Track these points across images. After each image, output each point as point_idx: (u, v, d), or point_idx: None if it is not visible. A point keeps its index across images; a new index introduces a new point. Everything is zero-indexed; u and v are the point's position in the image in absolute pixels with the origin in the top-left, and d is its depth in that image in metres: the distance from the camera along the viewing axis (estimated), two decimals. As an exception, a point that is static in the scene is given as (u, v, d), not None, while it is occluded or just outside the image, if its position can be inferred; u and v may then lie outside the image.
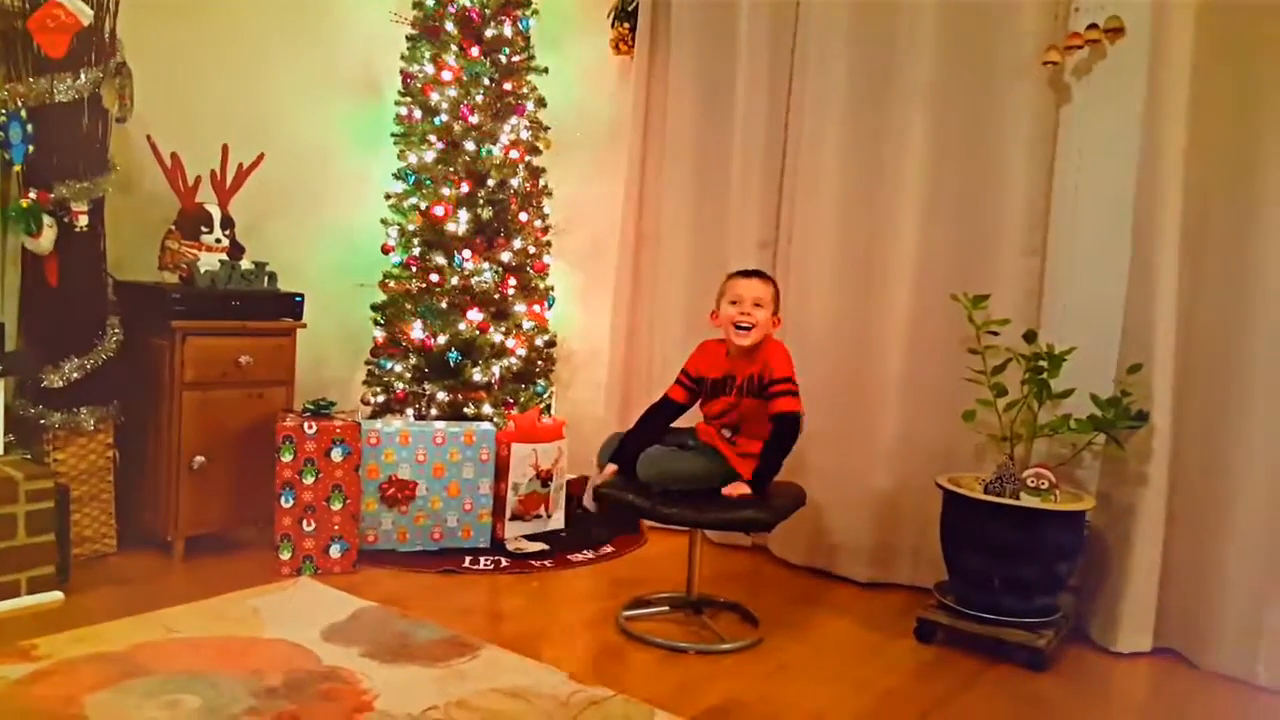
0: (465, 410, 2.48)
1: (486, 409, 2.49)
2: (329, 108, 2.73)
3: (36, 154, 1.92)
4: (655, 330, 2.74)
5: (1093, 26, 2.01)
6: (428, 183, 2.52)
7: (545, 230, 2.72)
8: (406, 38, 2.60)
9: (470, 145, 2.52)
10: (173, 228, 2.25)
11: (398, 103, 2.60)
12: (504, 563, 2.27)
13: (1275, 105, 1.76)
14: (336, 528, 2.10)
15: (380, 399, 2.54)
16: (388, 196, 2.61)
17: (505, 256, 2.58)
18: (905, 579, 2.26)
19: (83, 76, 1.93)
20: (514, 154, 2.59)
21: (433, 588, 2.07)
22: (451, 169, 2.51)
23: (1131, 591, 1.89)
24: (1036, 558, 1.83)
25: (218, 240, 2.27)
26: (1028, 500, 1.84)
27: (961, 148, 2.18)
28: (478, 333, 2.49)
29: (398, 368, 2.52)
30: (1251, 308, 1.80)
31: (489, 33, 2.57)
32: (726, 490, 1.79)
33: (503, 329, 2.55)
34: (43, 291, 2.00)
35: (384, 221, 2.62)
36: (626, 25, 2.79)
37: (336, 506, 2.10)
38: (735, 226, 2.52)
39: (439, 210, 2.49)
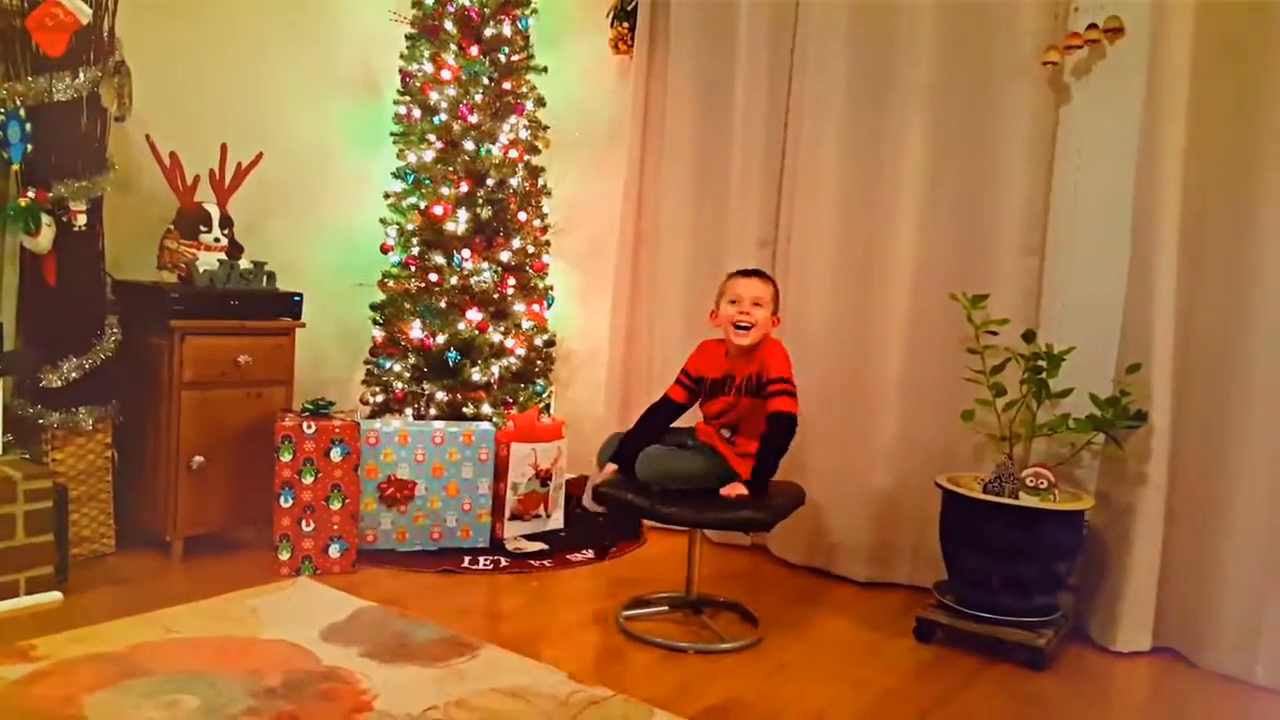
0: (464, 410, 2.47)
1: (486, 409, 2.49)
2: (328, 107, 2.72)
3: (35, 153, 1.92)
4: (655, 330, 2.74)
5: (1092, 27, 2.01)
6: (427, 182, 2.51)
7: (544, 230, 2.72)
8: (405, 37, 2.60)
9: (469, 144, 2.52)
10: (171, 227, 2.24)
11: (397, 102, 2.60)
12: (503, 562, 2.26)
13: (1274, 106, 1.76)
14: (335, 527, 2.10)
15: (379, 399, 2.54)
16: (387, 196, 2.61)
17: (504, 256, 2.57)
18: (904, 578, 2.26)
19: (81, 75, 1.93)
20: (513, 153, 2.59)
21: (432, 588, 2.07)
22: (451, 168, 2.51)
23: (1130, 591, 1.89)
24: (1035, 557, 1.83)
25: (216, 239, 2.27)
26: (1027, 500, 1.84)
27: (961, 148, 2.18)
28: (477, 332, 2.49)
29: (397, 367, 2.52)
30: (1250, 307, 1.80)
31: (488, 32, 2.57)
32: (724, 491, 1.79)
33: (502, 328, 2.55)
34: (41, 291, 1.99)
35: (383, 221, 2.62)
36: (626, 25, 2.79)
37: (335, 506, 2.10)
38: (734, 226, 2.52)
39: (438, 210, 2.49)
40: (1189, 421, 1.89)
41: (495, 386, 2.52)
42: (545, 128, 2.70)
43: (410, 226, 2.55)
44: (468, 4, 2.54)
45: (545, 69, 2.68)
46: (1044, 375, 1.92)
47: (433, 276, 2.50)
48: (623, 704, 1.52)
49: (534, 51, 2.68)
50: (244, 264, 2.25)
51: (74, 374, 2.00)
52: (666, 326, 2.68)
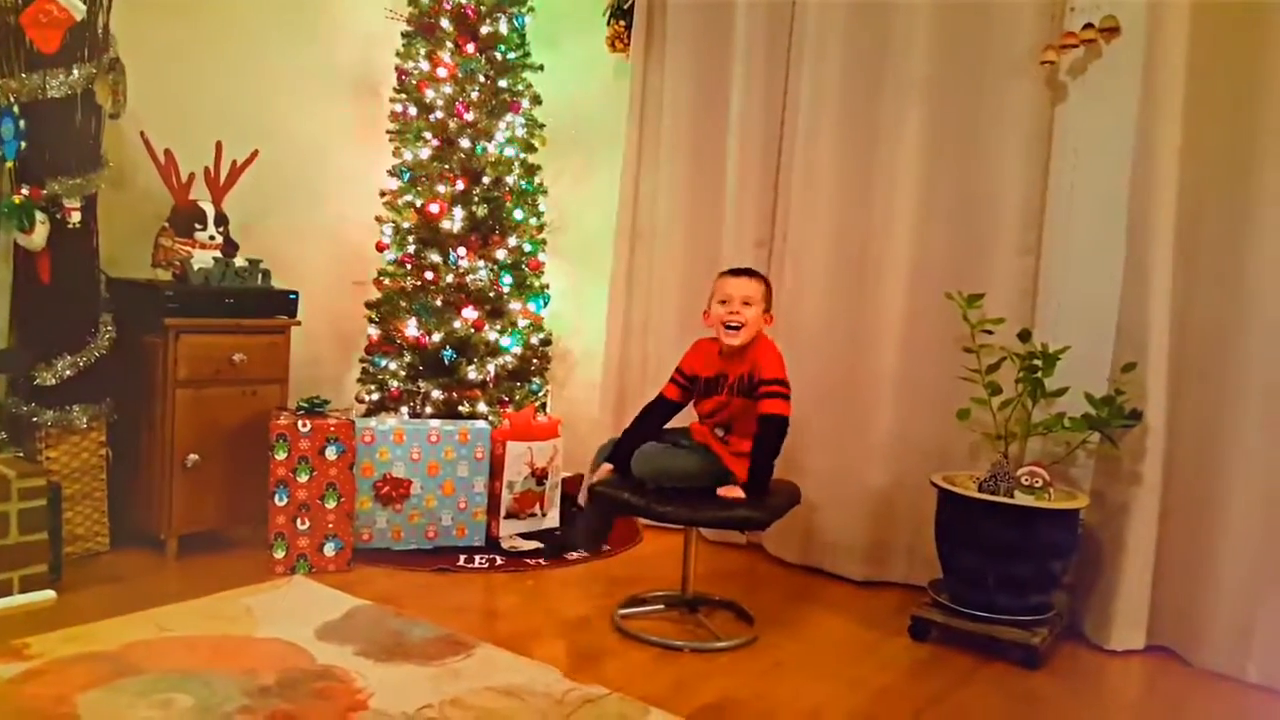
0: (460, 408, 2.47)
1: (481, 407, 2.48)
2: (324, 104, 2.72)
3: (29, 150, 1.91)
4: (651, 329, 2.73)
5: (1088, 26, 2.01)
6: (424, 179, 2.51)
7: (541, 228, 2.72)
8: (402, 34, 2.59)
9: (465, 142, 2.52)
10: (166, 224, 2.24)
11: (393, 99, 2.59)
12: (499, 561, 2.26)
13: (1270, 106, 1.76)
14: (331, 526, 2.10)
15: (375, 397, 2.54)
16: (382, 194, 2.61)
17: (500, 254, 2.57)
18: (900, 577, 2.26)
19: (76, 72, 1.92)
20: (509, 151, 2.58)
21: (427, 586, 2.06)
22: (447, 166, 2.51)
23: (1125, 589, 1.90)
24: (1031, 556, 1.83)
25: (211, 237, 2.26)
26: (1022, 499, 1.84)
27: (957, 147, 2.18)
28: (473, 331, 2.49)
29: (392, 365, 2.51)
30: (1245, 307, 1.81)
31: (484, 29, 2.57)
32: (721, 492, 1.80)
33: (498, 327, 2.55)
34: (35, 288, 1.99)
35: (378, 219, 2.61)
36: (622, 23, 2.79)
37: (331, 505, 2.09)
38: (731, 224, 2.52)
39: (434, 208, 2.49)
40: (1183, 421, 1.89)
41: (491, 385, 2.52)
42: (541, 126, 2.70)
43: (406, 224, 2.55)
44: (464, 1, 2.53)
45: (541, 67, 2.68)
46: (1039, 374, 1.92)
47: (428, 274, 2.50)
48: (618, 702, 1.52)
49: (530, 49, 2.67)
50: (239, 262, 2.24)
51: (68, 372, 1.99)
52: (662, 325, 2.68)
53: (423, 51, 2.53)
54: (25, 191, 1.90)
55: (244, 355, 2.18)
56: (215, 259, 2.22)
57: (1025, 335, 1.99)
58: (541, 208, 2.72)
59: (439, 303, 2.49)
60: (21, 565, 1.79)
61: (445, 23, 2.53)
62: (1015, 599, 1.84)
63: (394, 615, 1.83)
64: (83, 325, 2.04)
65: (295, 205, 2.66)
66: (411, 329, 2.48)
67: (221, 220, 2.30)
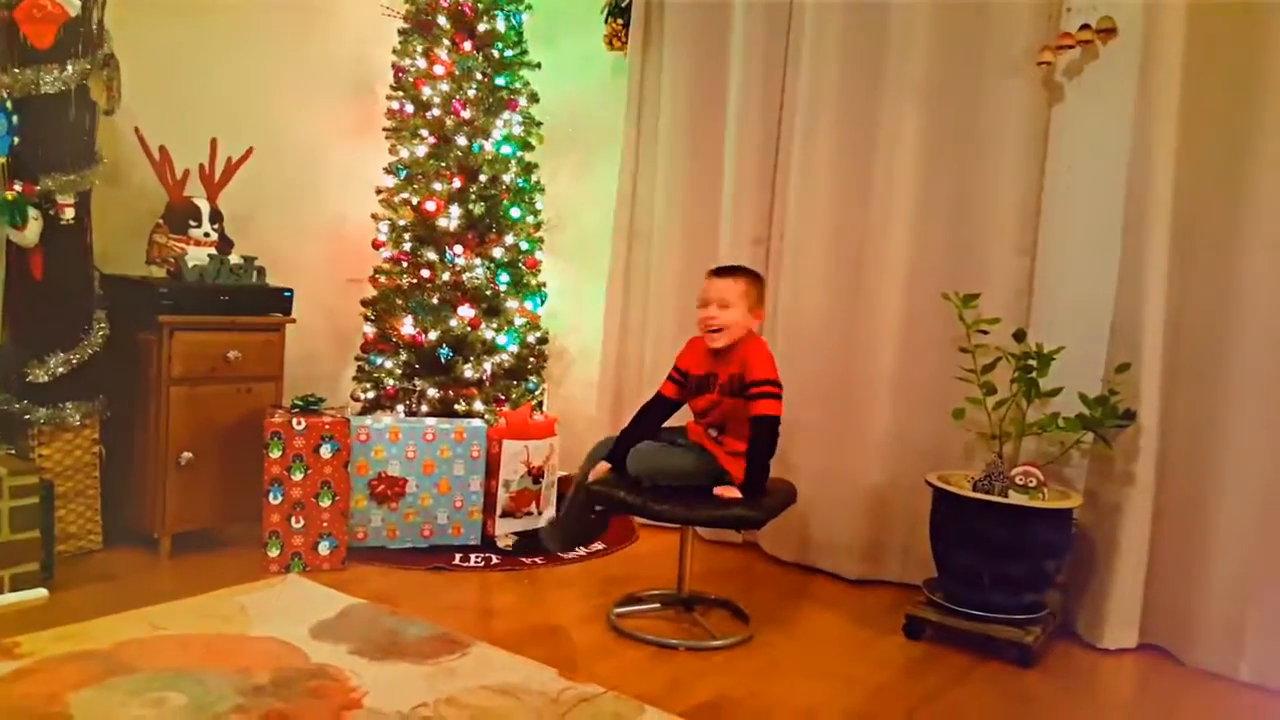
0: (456, 407, 2.47)
1: (478, 405, 2.48)
2: (320, 101, 2.71)
3: (22, 145, 1.90)
4: (648, 327, 2.73)
5: (1085, 27, 2.02)
6: (421, 177, 2.50)
7: (538, 226, 2.71)
8: (398, 31, 2.58)
9: (462, 140, 2.51)
10: (160, 221, 2.23)
11: (389, 97, 2.59)
12: (494, 560, 2.26)
13: (1266, 107, 1.77)
14: (325, 524, 2.09)
15: (370, 395, 2.53)
16: (379, 191, 2.60)
17: (497, 252, 2.57)
18: (895, 576, 2.27)
19: (69, 68, 1.91)
20: (506, 149, 2.58)
21: (422, 585, 2.06)
22: (443, 164, 2.50)
23: (1118, 588, 1.91)
24: (1025, 555, 1.84)
25: (206, 234, 2.25)
26: (1016, 498, 1.85)
27: (954, 147, 2.19)
28: (469, 329, 2.49)
29: (388, 364, 2.51)
30: (1239, 309, 1.81)
31: (482, 27, 2.56)
32: (718, 491, 1.80)
33: (494, 325, 2.54)
34: (28, 285, 1.97)
35: (374, 216, 2.60)
36: (620, 21, 2.79)
37: (325, 503, 2.08)
38: (728, 223, 2.52)
39: (430, 205, 2.48)
40: (1177, 421, 1.90)
41: (487, 383, 2.51)
42: (539, 124, 2.70)
43: (402, 222, 2.54)
44: (461, -1, 2.53)
45: (539, 65, 2.67)
46: (1034, 374, 1.93)
47: (425, 273, 2.49)
48: (613, 701, 1.52)
49: (527, 47, 2.67)
50: (234, 259, 2.23)
51: (61, 369, 1.98)
52: (660, 323, 2.68)
53: (420, 49, 2.52)
54: (18, 187, 1.89)
55: (239, 353, 2.17)
56: (210, 256, 2.21)
57: (1020, 335, 2.00)
58: (539, 206, 2.72)
59: (435, 301, 2.49)
60: (13, 563, 1.78)
61: (442, 20, 2.52)
62: (1009, 598, 1.85)
63: (389, 614, 1.83)
64: (76, 322, 2.03)
65: (291, 202, 2.65)
66: (408, 327, 2.48)
67: (216, 217, 2.29)
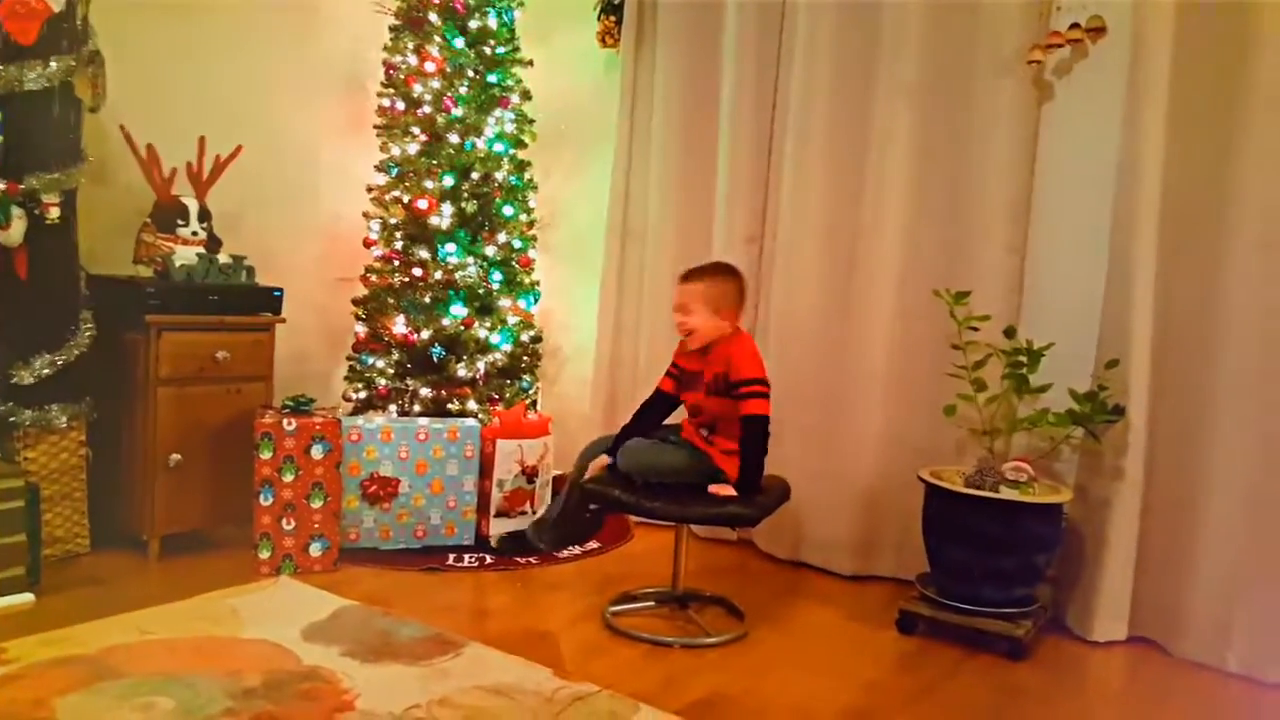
0: (449, 406, 2.46)
1: (471, 405, 2.47)
2: (310, 98, 2.69)
3: (5, 144, 1.87)
4: (642, 325, 2.73)
5: (1075, 26, 2.03)
6: (412, 174, 2.49)
7: (531, 225, 2.70)
8: (389, 28, 2.56)
9: (454, 138, 2.50)
10: (148, 220, 2.20)
11: (380, 94, 2.57)
12: (488, 560, 2.25)
13: (1253, 105, 1.79)
14: (317, 526, 2.08)
15: (362, 395, 2.51)
16: (370, 189, 2.58)
17: (490, 250, 2.56)
18: (888, 571, 2.28)
19: (54, 64, 1.88)
20: (499, 147, 2.57)
21: (416, 586, 2.05)
22: (435, 162, 2.49)
23: (1107, 582, 1.93)
24: (1015, 549, 1.85)
25: (194, 233, 2.23)
26: (1007, 493, 1.86)
27: (945, 146, 2.20)
28: (462, 328, 2.47)
29: (380, 363, 2.49)
30: (1226, 306, 1.83)
31: (473, 24, 2.55)
32: (713, 489, 1.80)
33: (487, 324, 2.53)
34: (12, 285, 1.94)
35: (366, 215, 2.59)
36: (613, 18, 2.78)
37: (317, 504, 2.07)
38: (721, 221, 2.52)
39: (422, 203, 2.47)
40: (1165, 417, 1.92)
41: (481, 382, 2.50)
42: (531, 121, 2.69)
43: (394, 220, 2.53)
44: (452, -4, 2.51)
45: (531, 62, 2.66)
46: (1024, 371, 1.94)
47: (416, 271, 2.48)
48: (608, 699, 1.51)
49: (520, 44, 2.66)
50: (223, 258, 2.21)
51: (46, 370, 1.96)
52: (653, 322, 2.68)
53: (411, 46, 2.51)
54: (2, 186, 1.86)
55: (228, 353, 2.15)
56: (198, 255, 2.19)
57: (1011, 332, 2.01)
58: (532, 204, 2.71)
59: (427, 299, 2.48)
60: (-1, 567, 1.76)
61: (434, 17, 2.51)
62: (1000, 592, 1.86)
63: (381, 615, 1.82)
64: (62, 323, 2.00)
65: (280, 201, 2.63)
66: (399, 326, 2.46)
67: (204, 216, 2.27)
